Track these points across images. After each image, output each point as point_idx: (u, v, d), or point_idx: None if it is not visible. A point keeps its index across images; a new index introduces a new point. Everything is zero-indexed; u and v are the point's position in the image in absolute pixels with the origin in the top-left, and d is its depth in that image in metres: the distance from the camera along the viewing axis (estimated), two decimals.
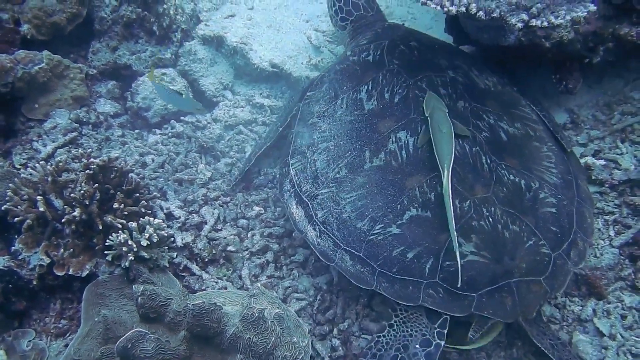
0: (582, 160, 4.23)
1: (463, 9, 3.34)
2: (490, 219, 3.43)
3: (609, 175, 4.12)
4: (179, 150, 4.84)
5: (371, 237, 3.54)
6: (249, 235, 4.28)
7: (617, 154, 4.24)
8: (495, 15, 3.23)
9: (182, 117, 5.11)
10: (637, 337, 3.57)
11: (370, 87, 4.05)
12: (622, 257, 3.86)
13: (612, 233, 3.98)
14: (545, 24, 3.11)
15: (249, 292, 3.60)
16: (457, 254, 3.21)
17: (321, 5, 5.96)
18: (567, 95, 4.58)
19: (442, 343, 3.38)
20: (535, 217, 3.53)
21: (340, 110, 4.06)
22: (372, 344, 3.52)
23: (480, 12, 3.27)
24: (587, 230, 3.67)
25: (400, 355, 3.40)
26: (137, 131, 5.14)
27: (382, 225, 3.53)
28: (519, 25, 3.17)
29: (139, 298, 3.19)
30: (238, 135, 5.10)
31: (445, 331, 3.39)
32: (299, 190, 3.93)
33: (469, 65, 4.23)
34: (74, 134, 4.80)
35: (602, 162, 4.19)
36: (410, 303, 3.40)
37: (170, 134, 5.03)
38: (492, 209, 3.46)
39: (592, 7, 3.21)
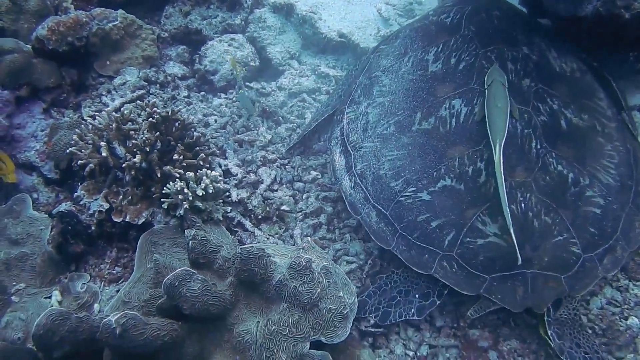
0: None
1: None
2: (523, 205, 3.31)
3: None
4: (241, 113, 4.85)
5: (401, 199, 3.50)
6: (304, 197, 4.26)
7: None
8: None
9: (247, 83, 5.13)
10: None
11: (439, 50, 3.97)
12: None
13: None
14: None
15: (299, 245, 3.57)
16: (512, 230, 3.11)
17: None
18: None
19: (438, 302, 3.41)
20: (574, 213, 3.36)
21: (404, 68, 4.00)
22: (385, 276, 3.61)
23: None
24: (632, 240, 3.44)
25: (398, 298, 3.47)
26: (202, 93, 5.19)
27: (414, 188, 3.49)
28: None
29: (190, 242, 3.20)
30: (301, 102, 5.09)
31: (446, 291, 3.39)
32: (347, 139, 3.91)
33: (548, 45, 4.04)
34: (142, 91, 4.91)
35: None
36: (422, 271, 3.38)
37: (234, 98, 5.05)
38: (528, 195, 3.34)
39: None
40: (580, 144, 3.59)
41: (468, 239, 3.30)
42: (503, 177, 3.19)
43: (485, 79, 3.66)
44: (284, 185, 4.34)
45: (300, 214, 4.15)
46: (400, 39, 4.28)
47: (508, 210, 3.14)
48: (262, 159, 4.43)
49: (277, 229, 4.04)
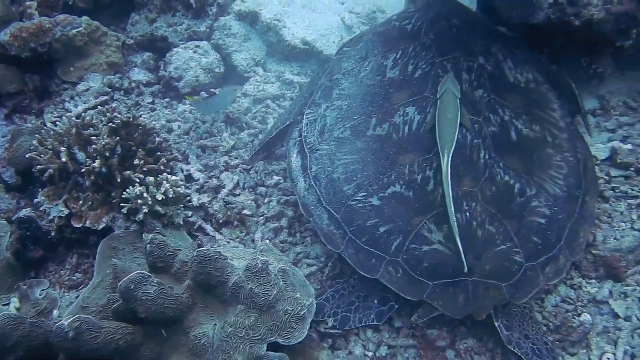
0: (608, 145, 4.13)
1: None
2: (467, 214, 3.34)
3: (635, 159, 3.96)
4: (205, 119, 4.87)
5: (352, 203, 3.52)
6: (266, 201, 4.28)
7: None
8: None
9: (211, 89, 5.14)
10: None
11: (397, 56, 4.00)
12: None
13: (634, 216, 3.81)
14: None
15: (257, 248, 3.58)
16: (457, 239, 3.17)
17: None
18: (598, 82, 4.46)
19: (396, 306, 3.47)
20: (519, 223, 3.39)
21: (363, 72, 4.03)
22: (342, 280, 3.65)
23: None
24: (575, 249, 3.47)
25: (357, 303, 3.51)
26: (167, 100, 5.20)
27: (365, 193, 3.51)
28: None
29: (148, 245, 3.19)
30: (265, 108, 5.12)
31: None
32: (304, 140, 3.93)
33: (506, 55, 4.05)
34: (105, 97, 4.92)
35: (630, 146, 4.04)
36: (369, 275, 3.40)
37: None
38: (473, 204, 3.37)
39: None
40: (529, 155, 3.62)
41: (414, 246, 3.33)
42: (450, 186, 3.26)
43: (439, 88, 3.70)
44: (247, 190, 4.34)
45: (261, 218, 4.16)
46: (363, 42, 4.30)
47: (454, 219, 3.20)
48: (224, 164, 4.44)
49: (238, 232, 4.05)
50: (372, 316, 3.45)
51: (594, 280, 3.66)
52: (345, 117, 3.84)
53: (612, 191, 4.01)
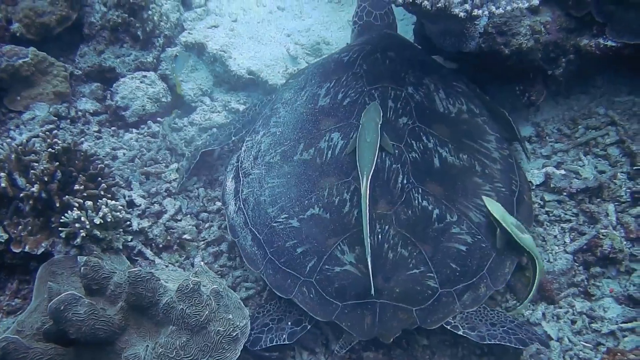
0: (542, 170, 4.29)
1: None
2: (379, 237, 3.41)
3: (568, 184, 4.12)
4: (150, 147, 4.93)
5: (274, 224, 3.62)
6: (207, 226, 4.35)
7: (579, 166, 4.27)
8: (440, 5, 3.29)
9: (159, 118, 5.23)
10: (586, 342, 3.52)
11: (330, 85, 4.15)
12: (577, 264, 3.84)
13: (567, 240, 3.97)
14: (486, 12, 3.18)
15: (192, 270, 3.61)
16: (369, 261, 3.24)
17: (303, 22, 6.19)
18: (534, 110, 4.65)
19: (309, 326, 3.49)
20: (435, 248, 3.43)
21: (299, 101, 4.17)
22: (259, 307, 3.70)
23: (426, 2, 3.33)
24: (498, 280, 3.50)
25: (270, 325, 3.53)
26: (113, 129, 5.25)
27: (286, 215, 3.62)
28: (462, 14, 3.24)
29: (83, 268, 3.21)
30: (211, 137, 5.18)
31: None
32: (240, 165, 4.05)
33: (438, 86, 4.13)
34: (51, 126, 4.94)
35: (563, 171, 4.22)
36: (283, 295, 3.48)
37: (146, 133, 5.16)
38: (387, 227, 3.44)
39: (535, 2, 3.27)
40: (453, 183, 3.67)
41: (327, 267, 3.40)
42: (368, 209, 3.33)
43: (363, 114, 3.80)
44: (188, 216, 4.41)
45: (202, 242, 4.23)
46: (305, 74, 4.47)
47: (368, 240, 3.27)
48: (167, 192, 4.52)
49: (177, 257, 4.10)
50: (284, 336, 3.45)
51: (528, 303, 3.75)
52: (277, 143, 3.95)
53: (546, 215, 4.16)
